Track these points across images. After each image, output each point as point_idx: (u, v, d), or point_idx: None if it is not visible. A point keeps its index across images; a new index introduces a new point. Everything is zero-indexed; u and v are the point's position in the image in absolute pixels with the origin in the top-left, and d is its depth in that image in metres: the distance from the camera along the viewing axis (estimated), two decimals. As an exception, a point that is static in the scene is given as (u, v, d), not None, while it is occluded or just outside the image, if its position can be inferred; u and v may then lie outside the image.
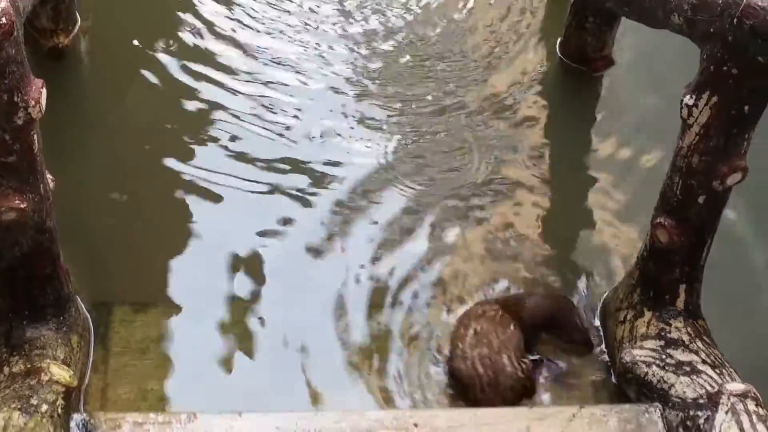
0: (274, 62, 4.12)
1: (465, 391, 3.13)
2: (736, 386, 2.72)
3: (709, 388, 2.80)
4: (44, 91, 2.54)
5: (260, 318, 3.31)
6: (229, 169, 3.71)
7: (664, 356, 2.96)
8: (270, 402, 3.09)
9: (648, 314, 3.10)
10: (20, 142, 2.54)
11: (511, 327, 3.18)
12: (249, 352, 3.23)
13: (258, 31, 4.24)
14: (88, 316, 3.16)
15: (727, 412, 2.66)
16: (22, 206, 2.63)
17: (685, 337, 3.01)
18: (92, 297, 3.24)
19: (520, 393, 3.11)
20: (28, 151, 2.58)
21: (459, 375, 3.14)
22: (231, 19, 4.26)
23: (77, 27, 4.04)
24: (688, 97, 2.73)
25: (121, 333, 3.23)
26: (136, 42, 4.13)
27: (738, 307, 3.47)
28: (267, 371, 3.19)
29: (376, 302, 3.39)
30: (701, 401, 2.77)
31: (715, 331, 3.09)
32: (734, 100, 2.66)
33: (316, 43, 4.23)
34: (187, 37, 4.17)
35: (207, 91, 3.97)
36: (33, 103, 2.49)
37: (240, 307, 3.33)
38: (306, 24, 4.30)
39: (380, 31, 4.32)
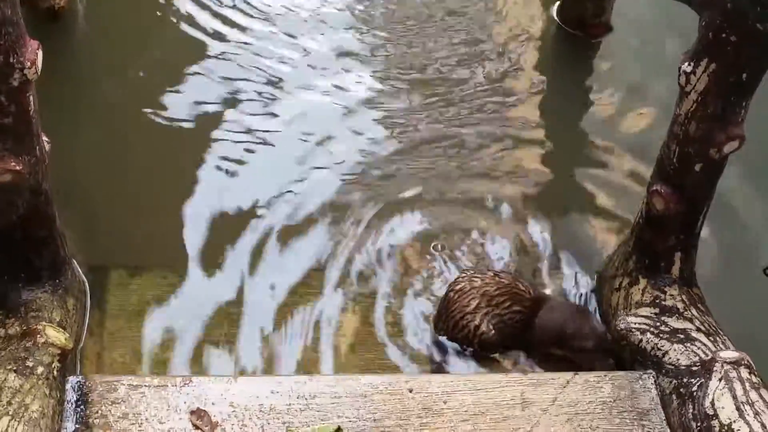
0: (277, 22, 4.13)
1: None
2: (730, 354, 2.73)
3: (702, 355, 2.81)
4: (40, 52, 2.52)
5: (256, 281, 3.31)
6: (226, 132, 3.71)
7: (658, 323, 2.97)
8: (265, 366, 3.11)
9: (643, 282, 3.10)
10: (16, 103, 2.53)
11: (508, 305, 3.19)
12: (245, 316, 3.23)
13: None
14: (84, 279, 3.17)
15: (720, 380, 2.66)
16: (17, 168, 2.63)
17: (680, 305, 3.02)
18: (88, 260, 3.24)
19: (461, 337, 3.18)
20: (23, 112, 2.57)
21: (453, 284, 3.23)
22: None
23: (74, -13, 4.03)
24: (686, 64, 2.72)
25: (117, 296, 3.23)
26: (132, 4, 4.12)
27: (731, 274, 3.49)
28: (263, 335, 3.19)
29: (370, 270, 3.42)
30: (695, 368, 2.78)
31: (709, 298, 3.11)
32: (733, 67, 2.65)
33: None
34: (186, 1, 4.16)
35: (205, 53, 3.96)
36: (29, 64, 2.48)
37: (236, 270, 3.33)
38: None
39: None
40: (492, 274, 3.22)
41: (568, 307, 3.26)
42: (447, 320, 3.19)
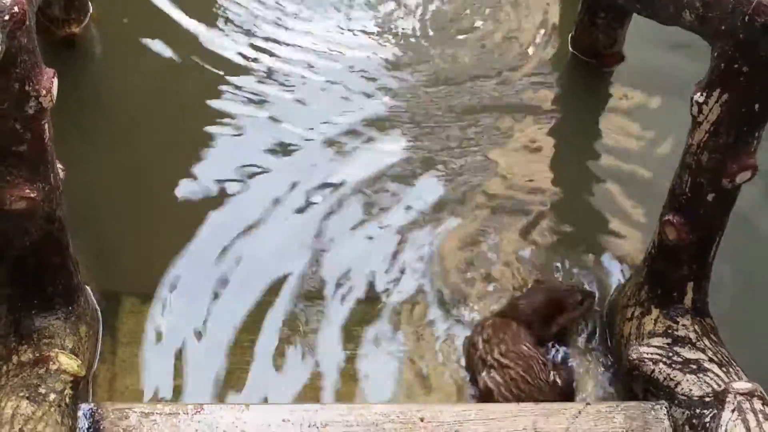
0: (288, 47, 4.15)
1: (504, 394, 3.10)
2: (743, 385, 2.72)
3: (715, 386, 2.80)
4: (56, 80, 2.54)
5: (269, 309, 3.32)
6: (240, 158, 3.72)
7: (671, 354, 2.96)
8: (277, 394, 3.11)
9: (655, 311, 3.10)
10: (31, 131, 2.55)
11: (513, 326, 3.18)
12: (257, 344, 3.23)
13: (272, 19, 4.27)
14: (97, 306, 3.17)
15: (733, 411, 2.66)
16: (32, 195, 2.64)
17: (692, 335, 3.01)
18: (101, 287, 3.25)
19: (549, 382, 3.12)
20: (39, 140, 2.59)
21: (491, 383, 3.11)
22: (241, 5, 4.28)
23: (89, 16, 4.05)
24: (698, 94, 2.73)
25: (129, 323, 3.24)
26: (147, 31, 4.14)
27: (744, 304, 3.48)
28: (275, 363, 3.19)
29: (378, 297, 3.42)
30: (707, 399, 2.77)
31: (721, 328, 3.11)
32: (745, 98, 2.66)
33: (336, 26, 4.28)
34: (198, 25, 4.17)
35: (218, 80, 3.98)
36: (44, 92, 2.50)
37: (249, 299, 3.33)
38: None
39: (395, 23, 4.34)
40: (478, 330, 3.23)
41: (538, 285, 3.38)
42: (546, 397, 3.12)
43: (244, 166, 3.71)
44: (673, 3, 2.86)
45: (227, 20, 4.22)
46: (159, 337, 3.22)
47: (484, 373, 3.12)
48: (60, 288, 2.92)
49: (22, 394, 2.60)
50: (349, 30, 4.26)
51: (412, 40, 4.25)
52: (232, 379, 3.15)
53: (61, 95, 2.60)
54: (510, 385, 3.08)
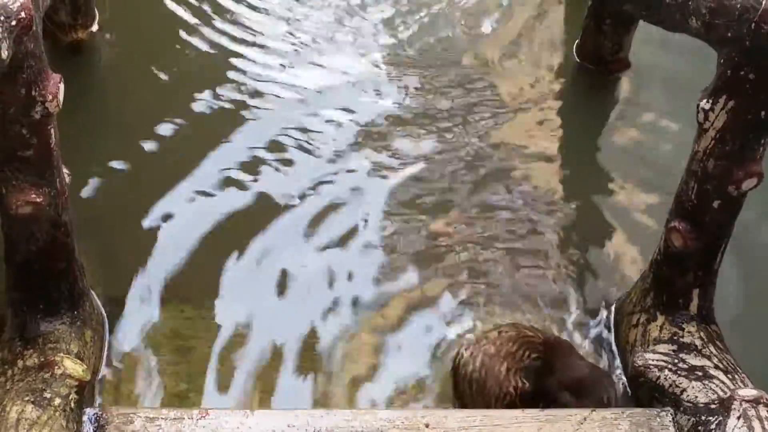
0: (298, 54, 4.17)
1: (456, 379, 3.11)
2: (749, 392, 2.71)
3: (721, 393, 2.79)
4: (62, 85, 2.55)
5: (275, 313, 3.32)
6: (246, 164, 3.73)
7: (676, 360, 2.96)
8: (282, 400, 3.10)
9: (661, 318, 3.09)
10: (37, 136, 2.56)
11: (516, 344, 3.07)
12: (262, 349, 3.23)
13: (279, 21, 4.28)
14: (102, 311, 3.18)
15: (738, 418, 2.65)
16: (38, 200, 2.65)
17: (698, 342, 3.01)
18: (106, 292, 3.25)
19: (505, 406, 3.02)
20: (45, 145, 2.59)
21: (457, 361, 3.11)
22: (252, 9, 4.30)
23: (95, 22, 4.06)
24: (704, 101, 2.73)
25: (134, 328, 3.24)
26: (153, 37, 4.15)
27: (750, 311, 3.47)
28: (280, 369, 3.19)
29: (392, 303, 3.41)
30: (713, 406, 2.76)
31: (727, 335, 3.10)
32: (751, 104, 2.66)
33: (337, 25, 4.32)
34: (205, 32, 4.18)
35: (225, 86, 3.98)
36: (51, 97, 2.51)
37: (254, 304, 3.33)
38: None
39: (398, 29, 4.34)
40: (497, 333, 3.12)
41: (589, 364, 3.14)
42: (485, 398, 3.05)
43: (250, 169, 3.71)
44: (679, 10, 2.86)
45: (232, 23, 4.24)
46: (164, 342, 3.22)
47: (463, 349, 3.12)
48: (65, 292, 2.93)
49: (27, 398, 2.61)
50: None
51: (416, 51, 4.25)
52: (238, 384, 3.15)
53: (68, 100, 2.61)
54: (466, 382, 3.07)
